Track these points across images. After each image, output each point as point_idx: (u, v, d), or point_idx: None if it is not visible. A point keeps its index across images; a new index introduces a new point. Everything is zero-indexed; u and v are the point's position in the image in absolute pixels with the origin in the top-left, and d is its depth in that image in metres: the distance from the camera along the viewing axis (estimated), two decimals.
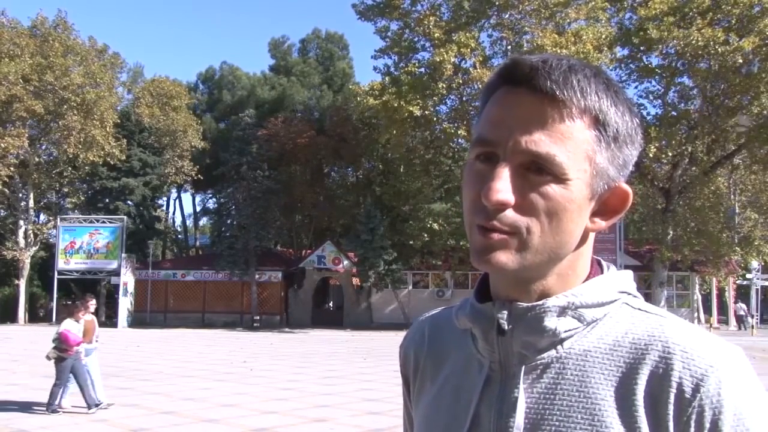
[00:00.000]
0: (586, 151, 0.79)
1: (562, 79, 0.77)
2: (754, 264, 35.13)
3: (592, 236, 0.86)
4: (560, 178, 0.78)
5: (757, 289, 37.72)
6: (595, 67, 0.82)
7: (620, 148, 0.81)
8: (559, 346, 0.83)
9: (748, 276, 37.02)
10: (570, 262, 0.84)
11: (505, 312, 0.83)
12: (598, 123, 0.79)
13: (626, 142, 0.82)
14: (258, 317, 35.46)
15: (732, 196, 36.64)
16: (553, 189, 0.78)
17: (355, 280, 36.32)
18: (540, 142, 0.77)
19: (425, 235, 33.82)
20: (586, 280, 0.86)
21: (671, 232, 31.93)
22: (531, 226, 0.78)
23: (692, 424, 0.75)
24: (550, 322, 0.81)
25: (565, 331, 0.82)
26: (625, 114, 0.81)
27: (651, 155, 28.81)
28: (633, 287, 0.87)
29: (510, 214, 0.78)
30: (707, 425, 0.75)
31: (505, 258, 0.79)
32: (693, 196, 32.47)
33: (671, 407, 0.76)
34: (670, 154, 30.15)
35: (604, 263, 0.89)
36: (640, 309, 0.84)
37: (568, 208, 0.79)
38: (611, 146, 0.80)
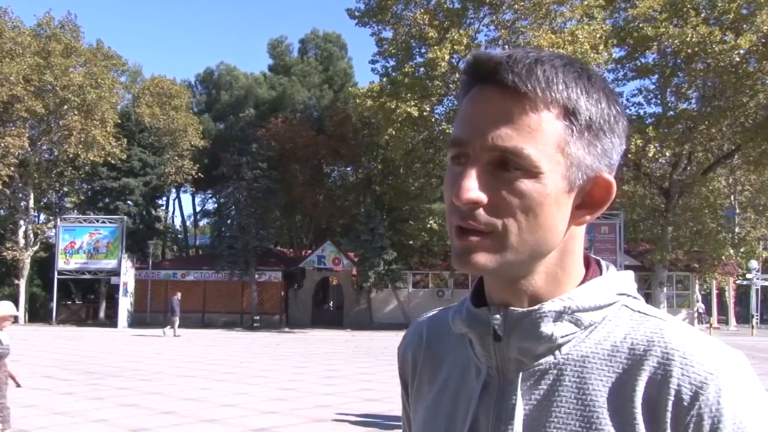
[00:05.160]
0: (557, 142, 0.77)
1: (526, 72, 0.76)
2: (754, 264, 35.12)
3: (580, 232, 0.84)
4: (532, 172, 0.76)
5: (757, 289, 37.67)
6: (567, 57, 0.81)
7: (596, 136, 0.79)
8: (557, 352, 0.81)
9: (748, 276, 36.99)
10: (557, 260, 0.82)
11: (500, 318, 0.81)
12: (568, 112, 0.77)
13: (603, 130, 0.79)
14: (258, 317, 35.45)
15: (732, 196, 36.67)
16: (525, 184, 0.76)
17: (355, 280, 36.32)
18: (506, 136, 0.76)
19: (425, 235, 33.85)
20: (584, 281, 0.84)
21: (671, 233, 31.95)
22: (507, 224, 0.77)
23: None
24: (547, 327, 0.79)
25: (562, 336, 0.80)
26: (600, 102, 0.79)
27: (650, 155, 28.84)
28: (633, 288, 0.85)
29: (484, 213, 0.77)
30: None
31: (484, 259, 0.78)
32: (692, 195, 32.49)
33: (669, 415, 0.74)
34: (668, 153, 30.18)
35: (603, 263, 0.87)
36: (639, 311, 0.82)
37: (544, 203, 0.77)
38: (584, 135, 0.78)
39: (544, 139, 0.76)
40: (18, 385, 7.15)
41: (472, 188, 0.76)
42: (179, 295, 30.02)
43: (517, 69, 0.76)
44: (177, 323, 28.27)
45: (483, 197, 0.76)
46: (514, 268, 0.80)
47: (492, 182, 0.77)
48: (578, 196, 0.80)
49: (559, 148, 0.77)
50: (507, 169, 0.77)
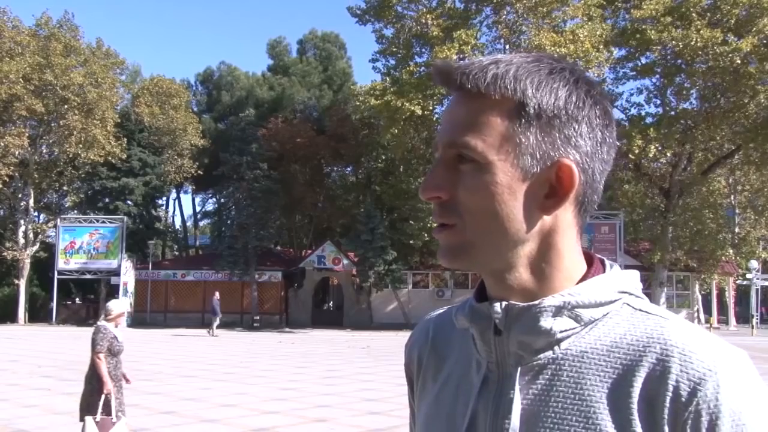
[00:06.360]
0: (503, 133, 0.80)
1: (476, 72, 0.81)
2: (754, 264, 35.12)
3: (563, 225, 0.83)
4: (481, 163, 0.80)
5: (757, 289, 37.68)
6: (538, 56, 0.84)
7: (550, 124, 0.80)
8: (556, 347, 0.81)
9: (748, 276, 37.01)
10: (540, 254, 0.82)
11: (501, 312, 0.82)
12: (516, 104, 0.80)
13: (558, 117, 0.80)
14: (258, 317, 35.45)
15: (732, 196, 36.68)
16: (475, 175, 0.81)
17: (355, 280, 36.32)
18: (458, 133, 0.81)
19: (425, 235, 33.82)
20: (585, 278, 0.84)
21: (671, 233, 31.94)
22: (464, 216, 0.81)
23: (688, 429, 0.73)
24: (546, 322, 0.80)
25: (562, 332, 0.81)
26: (557, 90, 0.81)
27: (651, 155, 28.85)
28: (637, 287, 0.86)
29: (446, 207, 0.82)
30: (703, 431, 0.73)
31: (453, 250, 0.83)
32: (692, 195, 32.50)
33: (667, 411, 0.74)
34: (668, 153, 30.20)
35: (608, 262, 0.88)
36: (641, 310, 0.82)
37: (496, 192, 0.80)
38: (534, 124, 0.80)
39: (492, 130, 0.81)
40: (128, 381, 7.42)
41: (429, 184, 0.83)
42: (218, 294, 30.36)
43: (467, 71, 0.81)
44: (217, 323, 28.89)
45: (441, 191, 0.82)
46: (487, 259, 0.83)
47: (452, 177, 0.82)
48: (543, 185, 0.81)
49: (505, 138, 0.80)
50: (463, 163, 0.82)
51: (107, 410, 6.86)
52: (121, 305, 7.39)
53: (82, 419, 6.92)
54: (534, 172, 0.81)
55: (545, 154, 0.80)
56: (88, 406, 6.91)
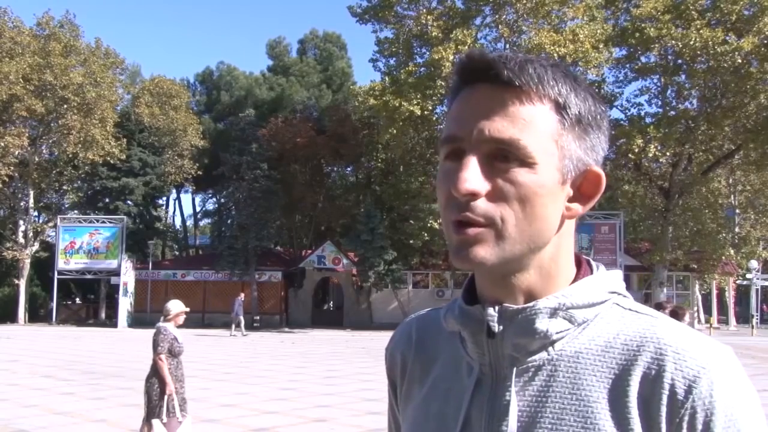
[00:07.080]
0: (550, 134, 0.79)
1: (518, 68, 0.78)
2: (754, 264, 35.11)
3: (571, 228, 0.85)
4: (527, 163, 0.78)
5: (757, 289, 37.67)
6: (553, 59, 0.83)
7: (585, 130, 0.82)
8: (550, 348, 0.82)
9: (748, 276, 37.00)
10: (552, 255, 0.83)
11: (495, 314, 0.82)
12: (560, 106, 0.80)
13: (591, 125, 0.82)
14: (258, 317, 35.45)
15: (732, 196, 36.66)
16: (521, 174, 0.78)
17: (355, 280, 36.31)
18: (503, 128, 0.78)
19: (425, 235, 33.83)
20: (576, 279, 0.85)
21: (671, 233, 31.92)
22: (504, 215, 0.78)
23: (684, 425, 0.75)
24: (542, 323, 0.80)
25: (556, 333, 0.81)
26: (587, 99, 0.82)
27: (651, 155, 28.83)
28: (622, 287, 0.87)
29: (482, 204, 0.78)
30: (699, 427, 0.75)
31: (483, 252, 0.78)
32: (692, 195, 32.49)
33: (664, 409, 0.76)
34: (668, 153, 30.18)
35: (593, 263, 0.89)
36: (630, 309, 0.84)
37: (540, 193, 0.78)
38: (575, 128, 0.81)
39: (539, 131, 0.78)
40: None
41: (471, 178, 0.77)
42: (242, 296, 31.00)
43: (510, 65, 0.78)
44: (242, 323, 29.46)
45: (481, 188, 0.77)
46: (513, 262, 0.81)
47: (488, 174, 0.78)
48: (571, 190, 0.82)
49: (552, 139, 0.79)
50: (503, 160, 0.78)
51: (172, 411, 6.92)
52: (179, 305, 7.33)
53: (148, 420, 6.98)
54: (570, 176, 0.81)
55: (580, 159, 0.81)
56: (153, 408, 6.98)
